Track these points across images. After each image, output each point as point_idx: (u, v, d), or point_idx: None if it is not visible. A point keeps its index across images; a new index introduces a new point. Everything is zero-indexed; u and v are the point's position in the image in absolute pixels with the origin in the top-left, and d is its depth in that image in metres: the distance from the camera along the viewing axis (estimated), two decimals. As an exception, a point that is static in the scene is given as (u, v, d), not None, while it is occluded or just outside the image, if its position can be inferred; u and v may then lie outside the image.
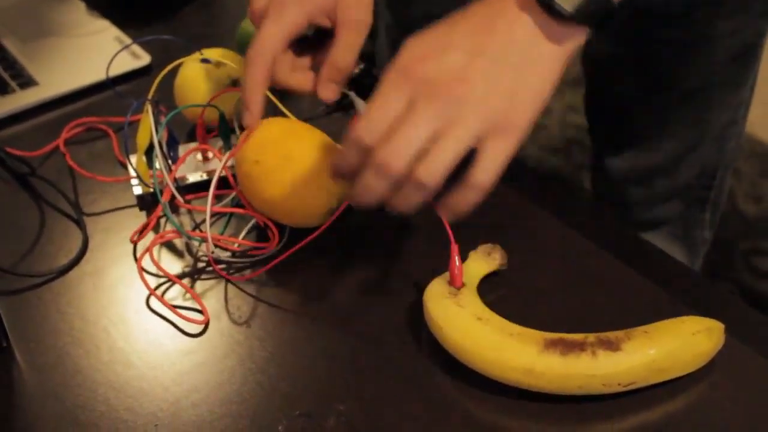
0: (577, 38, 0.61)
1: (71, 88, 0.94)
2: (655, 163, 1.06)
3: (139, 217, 0.79)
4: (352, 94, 0.72)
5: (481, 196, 0.60)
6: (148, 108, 0.76)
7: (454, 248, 0.67)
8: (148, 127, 0.76)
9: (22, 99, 0.92)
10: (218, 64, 0.84)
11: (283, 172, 0.72)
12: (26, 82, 0.94)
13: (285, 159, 0.73)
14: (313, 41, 0.77)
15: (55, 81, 0.94)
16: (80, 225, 0.78)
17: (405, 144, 0.58)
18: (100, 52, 0.99)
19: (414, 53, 0.60)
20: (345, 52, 0.73)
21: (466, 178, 0.60)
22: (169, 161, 0.77)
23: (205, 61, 0.84)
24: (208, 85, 0.83)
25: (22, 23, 1.06)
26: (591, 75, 1.08)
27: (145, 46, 1.00)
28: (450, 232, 0.66)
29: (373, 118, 0.60)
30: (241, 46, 0.95)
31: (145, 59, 0.98)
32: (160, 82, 0.79)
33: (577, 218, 0.78)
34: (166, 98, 0.82)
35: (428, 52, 0.60)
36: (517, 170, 0.78)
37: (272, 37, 0.73)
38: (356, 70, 0.91)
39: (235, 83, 0.83)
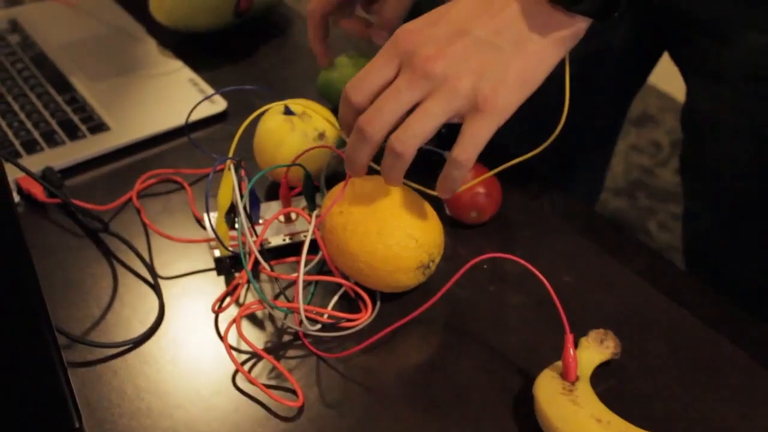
0: (576, 28, 0.62)
1: (144, 134, 0.89)
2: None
3: (217, 282, 0.74)
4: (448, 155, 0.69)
5: (463, 172, 0.63)
6: (230, 167, 0.71)
7: (569, 338, 0.62)
8: (230, 188, 0.72)
9: (94, 146, 0.88)
10: (303, 116, 0.79)
11: (369, 222, 0.68)
12: (97, 126, 0.90)
13: (371, 209, 0.69)
14: None
15: (128, 126, 0.90)
16: (156, 290, 0.73)
17: (380, 112, 0.62)
18: (173, 95, 0.95)
19: (411, 24, 0.64)
20: (394, 6, 0.83)
21: (447, 157, 0.63)
22: (252, 224, 0.72)
23: (288, 112, 0.79)
24: (293, 140, 0.78)
25: (91, 59, 1.01)
26: (692, 135, 0.99)
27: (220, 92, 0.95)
28: (565, 318, 0.60)
29: (361, 77, 0.64)
30: (324, 94, 0.90)
31: (221, 105, 0.93)
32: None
33: (682, 295, 0.72)
34: (243, 147, 0.77)
35: (422, 25, 0.63)
36: (591, 219, 0.74)
37: None
38: None
39: (321, 137, 0.78)
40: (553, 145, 0.70)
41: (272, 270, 0.71)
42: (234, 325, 0.68)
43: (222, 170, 0.76)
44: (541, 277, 0.63)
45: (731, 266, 0.99)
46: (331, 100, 0.90)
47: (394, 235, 0.68)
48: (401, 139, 0.62)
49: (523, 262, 0.65)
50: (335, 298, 0.72)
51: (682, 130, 0.97)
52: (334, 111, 0.87)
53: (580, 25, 0.63)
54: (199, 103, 0.84)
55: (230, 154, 0.72)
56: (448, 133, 0.68)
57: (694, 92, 0.91)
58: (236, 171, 0.70)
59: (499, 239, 0.78)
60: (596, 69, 0.96)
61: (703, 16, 0.82)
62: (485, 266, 0.75)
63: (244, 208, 0.69)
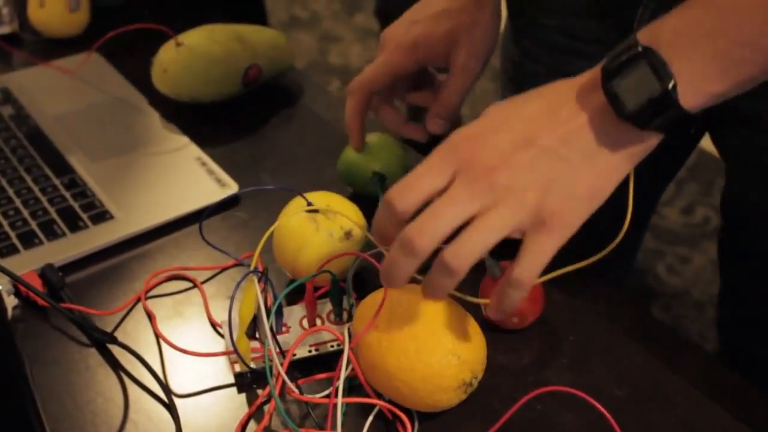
0: (644, 141, 0.57)
1: (151, 224, 0.83)
2: None
3: (237, 400, 0.68)
4: (489, 259, 0.69)
5: (523, 293, 0.58)
6: (254, 280, 0.65)
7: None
8: (253, 301, 0.65)
9: (97, 238, 0.81)
10: (326, 213, 0.73)
11: (407, 338, 0.63)
12: (100, 215, 0.83)
13: (409, 324, 0.63)
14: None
15: (133, 215, 0.84)
16: (172, 410, 0.67)
17: (434, 222, 0.56)
18: (180, 177, 0.88)
19: (470, 129, 0.59)
20: (452, 94, 0.80)
21: (507, 274, 0.58)
22: (278, 340, 0.66)
23: (312, 210, 0.73)
24: (318, 241, 0.72)
25: (90, 134, 0.95)
26: (735, 223, 0.93)
27: (231, 172, 0.89)
28: None
29: (409, 183, 0.58)
30: (345, 177, 0.84)
31: (232, 188, 0.87)
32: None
33: (746, 412, 0.66)
34: (256, 236, 0.71)
35: (482, 131, 0.59)
36: (639, 319, 0.68)
37: (374, 72, 0.80)
38: None
39: (348, 236, 0.72)
40: (588, 238, 0.64)
41: (301, 392, 0.64)
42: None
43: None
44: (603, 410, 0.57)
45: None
46: (353, 184, 0.85)
47: (434, 353, 0.62)
48: (458, 254, 0.56)
49: (586, 396, 0.59)
50: (370, 418, 0.66)
51: (722, 216, 0.92)
52: (358, 196, 0.82)
53: (651, 141, 0.58)
54: (213, 210, 0.77)
55: (252, 266, 0.65)
56: None
57: (738, 180, 0.86)
58: (260, 280, 0.64)
59: (542, 346, 0.72)
60: None
61: (743, 108, 0.77)
62: (529, 378, 0.69)
63: (270, 328, 0.63)
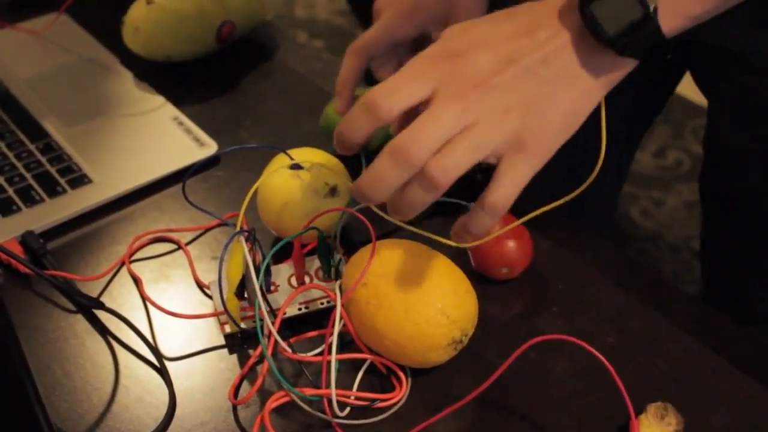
0: (620, 68, 0.57)
1: (131, 187, 0.81)
2: None
3: (228, 360, 0.68)
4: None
5: (495, 219, 0.57)
6: (241, 240, 0.64)
7: (635, 425, 0.56)
8: (241, 262, 0.65)
9: (76, 203, 0.80)
10: (311, 169, 0.72)
11: (395, 297, 0.62)
12: (78, 179, 0.82)
13: (397, 282, 0.62)
14: None
15: (112, 178, 0.82)
16: (163, 374, 0.66)
17: (428, 132, 0.55)
18: (158, 137, 0.87)
19: (450, 44, 0.58)
20: None
21: (480, 198, 0.57)
22: (268, 300, 0.65)
23: (295, 166, 0.72)
24: (303, 198, 0.71)
25: (62, 97, 0.93)
26: (718, 163, 0.94)
27: (209, 131, 0.88)
28: (627, 398, 0.55)
29: (394, 86, 0.56)
30: (329, 133, 0.83)
31: (211, 147, 0.85)
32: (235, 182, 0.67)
33: (738, 354, 0.67)
34: (239, 195, 0.69)
35: (463, 47, 0.57)
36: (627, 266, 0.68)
37: (373, 35, 0.77)
38: None
39: (333, 191, 0.71)
40: (566, 179, 0.64)
41: (293, 350, 0.64)
42: (262, 420, 0.61)
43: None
44: (601, 357, 0.57)
45: (754, 294, 0.95)
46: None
47: (423, 312, 0.62)
48: (443, 166, 0.55)
49: (580, 342, 0.59)
50: (360, 374, 0.66)
51: (704, 155, 0.92)
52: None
53: (626, 66, 0.58)
54: (194, 170, 0.76)
55: (238, 226, 0.64)
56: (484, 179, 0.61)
57: (723, 122, 0.86)
58: (250, 245, 0.63)
59: (532, 295, 0.72)
60: (614, 101, 0.90)
61: (734, 48, 0.77)
62: (521, 328, 0.69)
63: (261, 288, 0.62)
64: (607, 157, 0.99)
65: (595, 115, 0.61)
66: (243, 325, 0.67)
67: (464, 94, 0.56)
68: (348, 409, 0.63)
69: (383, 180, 0.56)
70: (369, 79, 0.87)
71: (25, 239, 0.75)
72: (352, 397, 0.63)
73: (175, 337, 0.69)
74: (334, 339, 0.61)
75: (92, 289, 0.73)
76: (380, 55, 0.79)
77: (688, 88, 0.91)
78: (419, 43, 0.81)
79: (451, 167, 0.55)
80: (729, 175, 0.89)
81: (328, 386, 0.61)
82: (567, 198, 0.63)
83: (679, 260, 1.90)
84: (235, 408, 0.64)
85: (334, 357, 0.61)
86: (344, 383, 0.65)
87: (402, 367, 0.65)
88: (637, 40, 0.55)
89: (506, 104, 0.56)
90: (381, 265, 0.63)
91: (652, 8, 0.54)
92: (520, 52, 0.57)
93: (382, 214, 0.62)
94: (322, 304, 0.69)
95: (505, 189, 0.56)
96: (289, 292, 0.70)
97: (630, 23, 0.55)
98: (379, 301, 0.62)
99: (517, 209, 0.64)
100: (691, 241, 1.92)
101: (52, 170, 0.83)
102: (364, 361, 0.66)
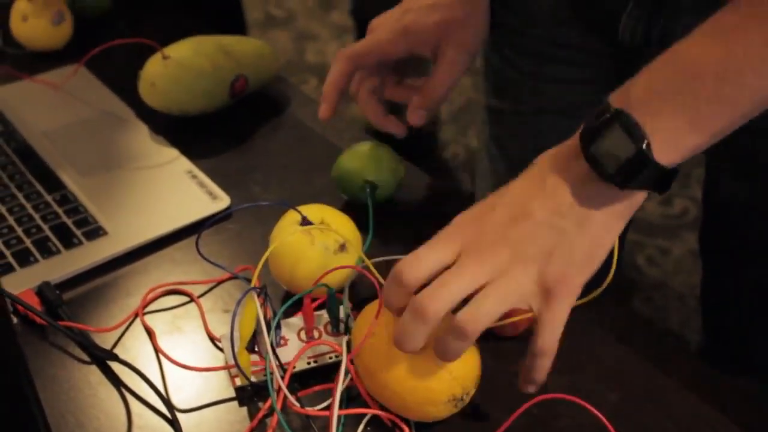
0: (631, 200, 0.60)
1: (145, 239, 0.83)
2: None
3: (237, 413, 0.69)
4: None
5: (551, 359, 0.60)
6: (254, 296, 0.66)
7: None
8: (253, 317, 0.67)
9: (92, 254, 0.82)
10: (321, 227, 0.74)
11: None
12: (93, 231, 0.84)
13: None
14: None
15: (126, 230, 0.84)
16: (175, 426, 0.68)
17: (444, 290, 0.59)
18: (172, 191, 0.89)
19: (471, 211, 0.62)
20: (438, 86, 0.82)
21: (530, 348, 0.60)
22: (278, 355, 0.67)
23: (306, 222, 0.74)
24: (314, 255, 0.73)
25: (79, 149, 0.96)
26: (718, 217, 0.96)
27: (222, 184, 0.90)
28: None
29: (417, 257, 0.61)
30: (340, 185, 0.86)
31: (224, 201, 0.88)
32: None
33: (740, 412, 0.68)
34: (253, 248, 0.71)
35: (481, 210, 0.62)
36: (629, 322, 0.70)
37: (363, 48, 0.82)
38: None
39: (343, 248, 0.73)
40: None
41: (301, 404, 0.66)
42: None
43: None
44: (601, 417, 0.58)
45: (753, 345, 0.96)
46: (346, 191, 0.86)
47: (426, 365, 0.63)
48: (473, 318, 0.58)
49: (581, 402, 0.61)
50: (361, 428, 0.67)
51: (703, 208, 0.94)
52: (351, 204, 0.83)
53: (637, 197, 0.60)
54: (210, 223, 0.78)
55: (253, 282, 0.66)
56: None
57: (720, 175, 0.88)
58: (262, 302, 0.65)
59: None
60: None
61: None
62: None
63: (272, 344, 0.64)
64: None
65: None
66: (253, 379, 0.68)
67: (483, 253, 0.59)
68: (354, 462, 0.64)
69: (409, 335, 0.60)
70: (375, 133, 0.90)
71: (42, 290, 0.77)
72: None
73: (186, 389, 0.71)
74: (338, 393, 0.63)
75: (106, 340, 0.75)
76: (365, 67, 0.83)
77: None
78: (404, 66, 0.85)
79: (479, 319, 0.59)
80: (727, 227, 0.91)
81: (335, 440, 0.63)
82: (581, 301, 0.64)
83: (685, 308, 1.91)
84: (245, 459, 0.65)
85: (335, 411, 0.62)
86: (351, 436, 0.66)
87: (407, 422, 0.67)
88: (636, 174, 0.58)
89: (525, 256, 0.59)
90: (390, 318, 0.65)
91: (644, 144, 0.57)
92: (531, 205, 0.60)
93: None
94: (330, 358, 0.71)
95: (548, 334, 0.60)
96: (298, 345, 0.72)
97: (626, 160, 0.57)
98: (386, 352, 0.64)
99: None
100: (697, 289, 1.92)
101: (69, 222, 0.85)
102: (374, 415, 0.67)
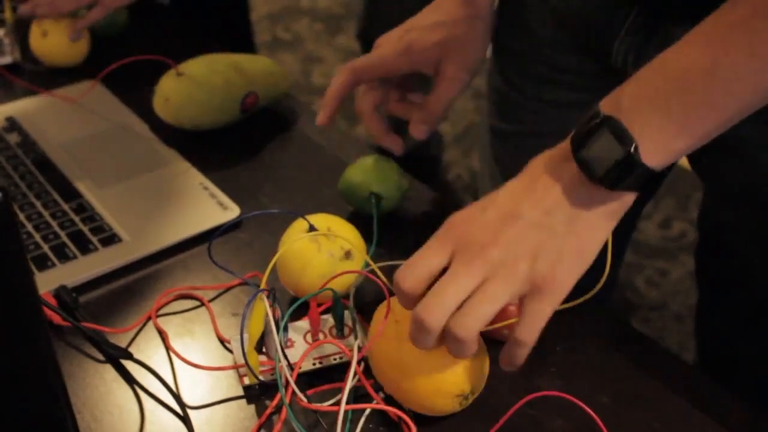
0: (620, 201, 0.62)
1: (159, 247, 0.87)
2: None
3: (246, 411, 0.72)
4: None
5: (528, 350, 0.63)
6: (263, 298, 0.69)
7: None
8: (262, 318, 0.70)
9: (108, 260, 0.85)
10: (328, 235, 0.77)
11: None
12: (109, 238, 0.88)
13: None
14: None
15: (141, 238, 0.88)
16: (186, 422, 0.71)
17: (439, 299, 0.61)
18: (184, 201, 0.93)
19: (462, 212, 0.65)
20: (439, 102, 0.86)
21: (510, 335, 0.62)
22: (285, 354, 0.70)
23: (313, 230, 0.77)
24: (320, 261, 0.76)
25: (95, 161, 0.99)
26: (712, 240, 0.99)
27: (232, 195, 0.94)
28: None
29: (412, 264, 0.63)
30: (346, 197, 0.89)
31: (234, 211, 0.91)
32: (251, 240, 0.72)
33: (728, 418, 0.71)
34: (261, 257, 0.75)
35: (472, 212, 0.64)
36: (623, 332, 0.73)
37: (367, 62, 0.86)
38: None
39: (348, 255, 0.77)
40: None
41: (309, 401, 0.69)
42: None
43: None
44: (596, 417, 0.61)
45: (746, 364, 0.99)
46: (352, 203, 0.89)
47: (443, 356, 0.66)
48: (464, 324, 0.61)
49: (575, 400, 0.64)
50: (363, 419, 0.70)
51: (699, 232, 0.96)
52: (357, 215, 0.87)
53: (626, 199, 0.63)
54: (221, 231, 0.81)
55: (262, 285, 0.70)
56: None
57: (715, 200, 0.91)
58: (271, 303, 0.68)
59: (531, 356, 0.76)
60: None
61: (720, 137, 0.82)
62: (521, 386, 0.73)
63: (280, 342, 0.67)
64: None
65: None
66: (261, 378, 0.72)
67: (473, 257, 0.61)
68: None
69: (419, 342, 0.63)
70: (380, 149, 0.93)
71: (59, 293, 0.81)
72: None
73: (197, 388, 0.74)
74: (347, 387, 0.66)
75: (120, 342, 0.78)
76: (368, 82, 0.87)
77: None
78: (407, 82, 0.89)
79: (473, 323, 0.61)
80: (722, 251, 0.93)
81: (339, 436, 0.66)
82: (567, 306, 0.67)
83: (683, 329, 1.94)
84: (253, 453, 0.69)
85: (342, 406, 0.65)
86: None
87: (412, 418, 0.70)
88: (625, 175, 0.61)
89: (514, 258, 0.61)
90: (404, 310, 0.68)
91: (632, 147, 0.60)
92: (521, 206, 0.63)
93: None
94: (335, 359, 0.74)
95: (530, 326, 0.62)
96: (304, 347, 0.75)
97: (615, 162, 0.60)
98: (399, 345, 0.67)
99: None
100: (695, 310, 1.95)
101: (85, 229, 0.89)
102: (382, 417, 0.70)
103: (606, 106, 0.62)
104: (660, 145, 0.60)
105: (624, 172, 0.60)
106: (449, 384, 0.66)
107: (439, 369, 0.66)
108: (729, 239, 0.91)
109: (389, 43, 0.87)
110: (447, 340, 0.63)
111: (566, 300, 0.65)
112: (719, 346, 1.01)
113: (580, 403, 0.65)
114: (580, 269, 0.62)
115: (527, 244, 0.61)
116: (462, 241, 0.62)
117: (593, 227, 0.62)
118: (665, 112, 0.60)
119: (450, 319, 0.61)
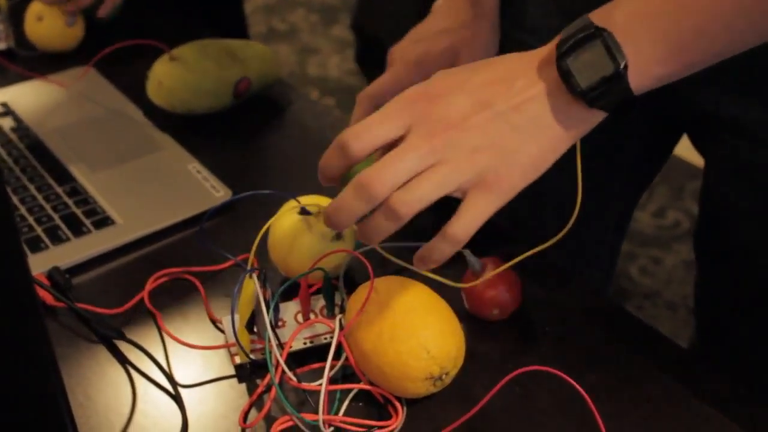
0: (588, 120, 0.61)
1: (152, 229, 0.88)
2: None
3: (238, 389, 0.73)
4: (467, 252, 0.74)
5: (454, 249, 0.61)
6: (253, 278, 0.70)
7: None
8: (251, 299, 0.71)
9: (100, 242, 0.86)
10: (318, 215, 0.78)
11: (383, 324, 0.68)
12: (102, 221, 0.88)
13: (388, 311, 0.68)
14: None
15: (134, 221, 0.88)
16: (177, 400, 0.72)
17: (390, 170, 0.59)
18: (177, 184, 0.94)
19: (429, 87, 0.62)
20: None
21: (443, 229, 0.60)
22: (276, 333, 0.71)
23: (304, 212, 0.78)
24: (310, 241, 0.77)
25: (88, 145, 1.00)
26: (713, 218, 0.99)
27: (224, 179, 0.94)
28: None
29: (366, 127, 0.61)
30: (342, 181, 0.89)
31: (225, 194, 0.92)
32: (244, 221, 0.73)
33: (719, 399, 0.72)
34: (250, 238, 0.75)
35: (441, 90, 0.61)
36: (613, 314, 0.73)
37: (381, 84, 0.84)
38: None
39: (338, 236, 0.77)
40: (568, 234, 0.69)
41: (298, 380, 0.69)
42: (264, 443, 0.67)
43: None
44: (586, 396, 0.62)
45: (746, 346, 0.99)
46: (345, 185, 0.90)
47: (406, 343, 0.67)
48: (405, 200, 0.59)
49: (563, 375, 0.65)
50: (347, 401, 0.71)
51: (699, 209, 0.97)
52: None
53: (595, 118, 0.62)
54: (209, 215, 0.82)
55: (249, 265, 0.70)
56: None
57: (717, 178, 0.91)
58: (261, 283, 0.69)
59: (520, 336, 0.77)
60: (613, 159, 0.95)
61: (725, 114, 0.82)
62: (509, 365, 0.74)
63: (270, 322, 0.68)
64: (610, 214, 1.04)
65: (588, 163, 0.66)
66: (252, 357, 0.72)
67: (434, 134, 0.60)
68: (348, 435, 0.68)
69: (347, 210, 0.61)
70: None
71: (52, 274, 0.81)
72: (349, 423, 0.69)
73: (189, 367, 0.75)
74: (328, 364, 0.66)
75: (113, 323, 0.78)
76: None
77: (687, 150, 0.96)
78: None
79: (413, 201, 0.59)
80: (723, 231, 0.93)
81: (328, 413, 0.66)
82: (548, 244, 0.68)
83: (676, 318, 1.95)
84: (243, 430, 0.69)
85: (324, 385, 0.66)
86: (348, 412, 0.70)
87: (398, 398, 0.71)
88: (607, 94, 0.59)
89: (474, 146, 0.60)
90: (378, 296, 0.69)
91: (622, 65, 0.59)
92: (495, 97, 0.61)
93: (387, 255, 0.67)
94: (325, 339, 0.75)
95: (466, 222, 0.60)
96: (295, 327, 0.76)
97: (602, 78, 0.59)
98: (369, 327, 0.68)
99: (509, 255, 0.71)
100: (689, 299, 1.96)
101: (78, 212, 0.89)
102: (370, 393, 0.71)
103: (597, 18, 0.60)
104: (645, 67, 0.59)
105: (607, 90, 0.59)
106: (413, 369, 0.67)
107: (401, 354, 0.66)
108: (729, 216, 0.92)
109: (401, 59, 0.86)
110: (377, 214, 0.61)
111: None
112: (718, 326, 1.02)
113: (566, 377, 0.66)
114: (531, 176, 0.61)
115: (490, 137, 0.60)
116: (424, 116, 0.60)
117: (556, 138, 0.61)
118: (658, 33, 0.59)
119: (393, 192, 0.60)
